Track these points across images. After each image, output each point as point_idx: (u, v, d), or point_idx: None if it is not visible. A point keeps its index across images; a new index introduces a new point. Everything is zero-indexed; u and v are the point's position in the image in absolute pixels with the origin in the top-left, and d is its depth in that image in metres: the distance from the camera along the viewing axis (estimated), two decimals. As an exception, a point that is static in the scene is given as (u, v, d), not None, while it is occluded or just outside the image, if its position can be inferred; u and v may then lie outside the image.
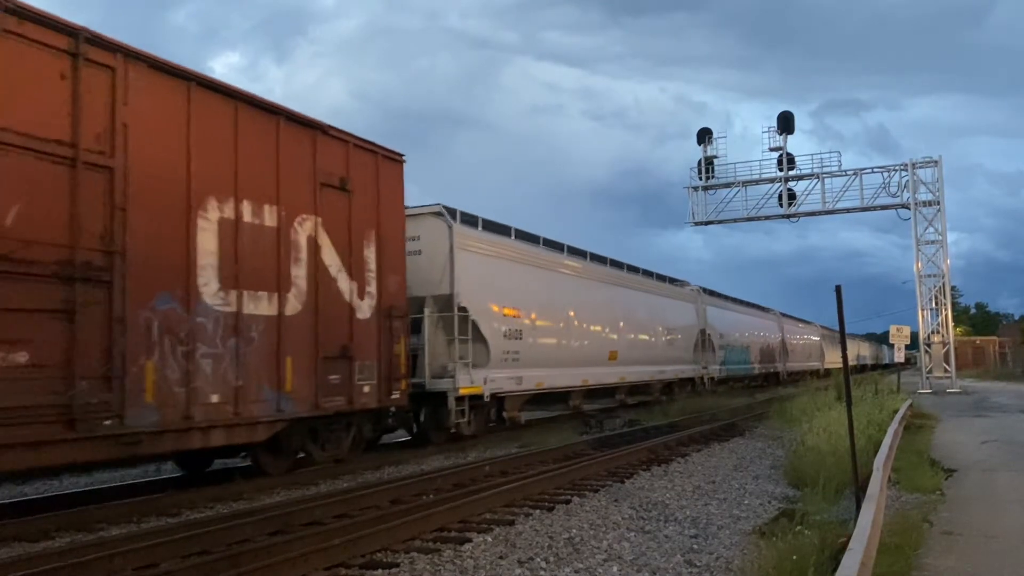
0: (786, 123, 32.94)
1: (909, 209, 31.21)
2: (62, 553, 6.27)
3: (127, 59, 8.23)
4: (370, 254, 11.64)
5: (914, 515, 7.49)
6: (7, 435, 6.88)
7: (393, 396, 11.90)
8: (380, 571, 6.15)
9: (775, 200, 33.06)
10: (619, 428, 17.60)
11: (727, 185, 33.80)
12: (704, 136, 34.10)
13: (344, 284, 11.09)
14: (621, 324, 21.39)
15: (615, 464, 11.57)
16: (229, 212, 9.33)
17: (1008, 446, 13.11)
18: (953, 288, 39.15)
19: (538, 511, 8.37)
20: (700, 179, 33.92)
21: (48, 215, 7.38)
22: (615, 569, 6.22)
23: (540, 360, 16.63)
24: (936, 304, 31.69)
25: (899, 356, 29.51)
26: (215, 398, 8.92)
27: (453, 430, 13.87)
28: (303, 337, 10.23)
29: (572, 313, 18.58)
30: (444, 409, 13.62)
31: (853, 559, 4.32)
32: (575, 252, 20.12)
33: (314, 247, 10.56)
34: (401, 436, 14.61)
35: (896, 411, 15.24)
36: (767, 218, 34.14)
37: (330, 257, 10.86)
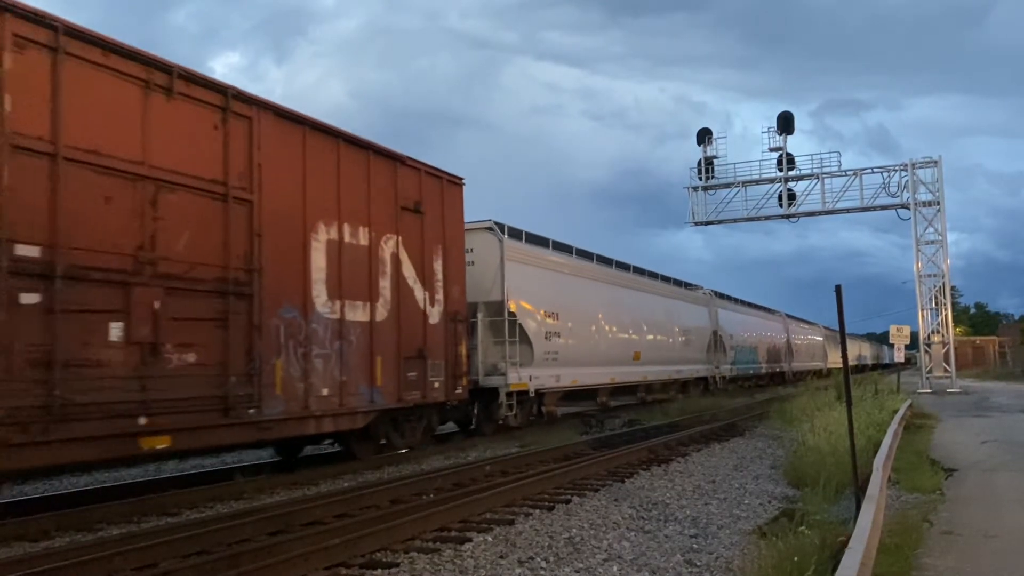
0: (786, 123, 32.93)
1: (909, 209, 31.20)
2: (62, 553, 6.27)
3: (260, 110, 9.90)
4: (438, 266, 13.33)
5: (914, 515, 7.49)
6: (184, 420, 8.52)
7: (457, 391, 13.57)
8: (380, 571, 6.15)
9: (775, 200, 33.05)
10: (619, 428, 17.61)
11: (727, 185, 33.79)
12: (704, 136, 34.08)
13: (419, 293, 12.80)
14: (643, 326, 23.16)
15: (615, 464, 11.57)
16: (334, 234, 11.00)
17: (1008, 446, 13.11)
18: (953, 288, 39.25)
19: (538, 511, 8.37)
20: (700, 179, 33.90)
21: (207, 241, 9.01)
22: (615, 569, 6.22)
23: (575, 360, 18.24)
24: (936, 304, 31.69)
25: (899, 356, 29.53)
26: (325, 391, 10.57)
27: (501, 422, 15.38)
28: (389, 340, 11.93)
29: (601, 317, 20.39)
30: (495, 403, 15.21)
31: (853, 559, 4.32)
32: (603, 260, 22.09)
33: (396, 262, 12.27)
34: (450, 428, 15.78)
35: (896, 411, 15.25)
36: (767, 218, 34.13)
37: (408, 270, 12.56)
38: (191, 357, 8.63)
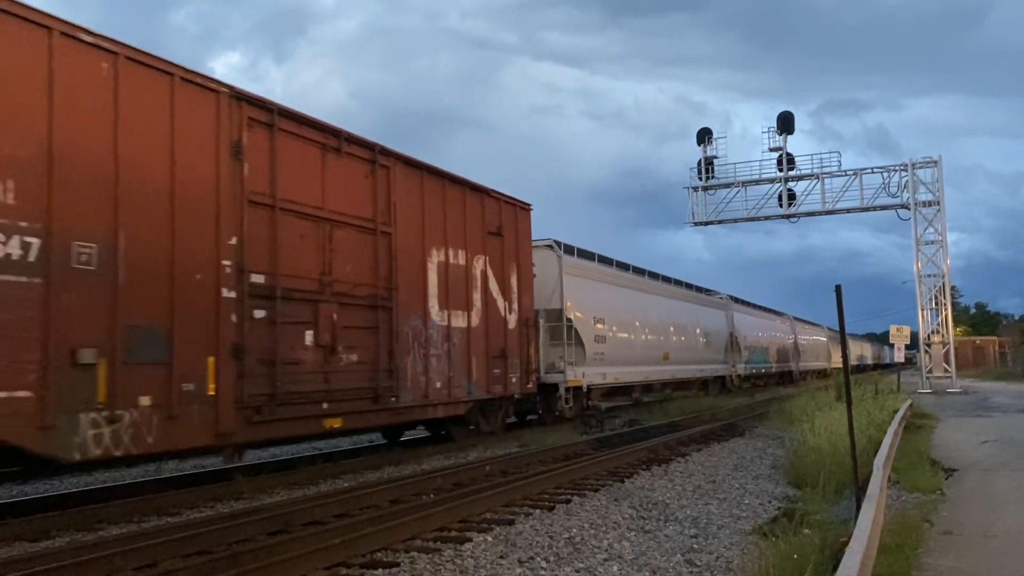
0: (786, 123, 32.95)
1: (909, 209, 31.21)
2: (62, 553, 6.27)
3: (395, 160, 12.46)
4: (513, 280, 15.75)
5: (914, 515, 7.49)
6: (350, 406, 11.11)
7: (528, 386, 16.13)
8: (380, 571, 6.15)
9: (775, 200, 33.07)
10: (619, 428, 17.62)
11: (727, 185, 33.81)
12: (704, 136, 34.10)
13: (501, 303, 15.24)
14: (671, 330, 25.62)
15: (615, 464, 11.57)
16: (442, 257, 13.51)
17: (1008, 446, 13.12)
18: (953, 288, 39.26)
19: (538, 511, 8.37)
20: (700, 179, 33.91)
21: (363, 266, 11.56)
22: (615, 569, 6.22)
23: (617, 360, 20.84)
24: (936, 304, 31.70)
25: (899, 356, 29.54)
26: (438, 384, 13.09)
27: (558, 413, 17.72)
28: (480, 342, 14.38)
29: (637, 322, 23.00)
30: (554, 397, 17.65)
31: (853, 559, 4.32)
32: (637, 270, 25.30)
33: (484, 278, 14.72)
34: (511, 419, 17.38)
35: (896, 411, 15.24)
36: (767, 218, 34.15)
37: (492, 284, 14.98)
38: (354, 356, 11.17)
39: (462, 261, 14.04)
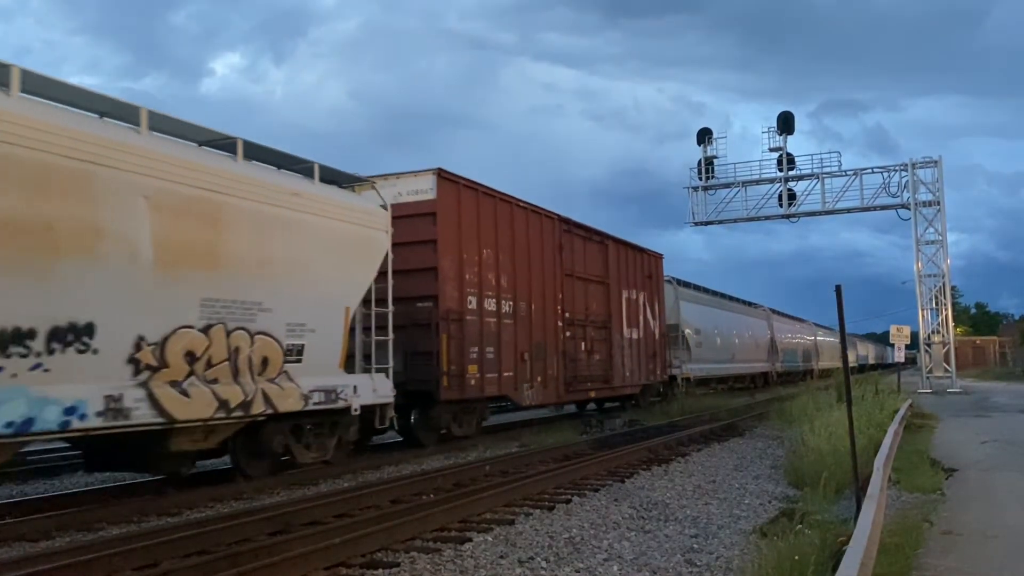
0: (786, 123, 32.94)
1: (909, 209, 31.21)
2: (62, 553, 6.27)
3: (611, 240, 20.36)
4: (656, 307, 23.58)
5: (914, 515, 7.48)
6: (596, 386, 18.92)
7: (663, 377, 24.03)
8: (381, 571, 6.15)
9: (775, 200, 33.08)
10: (619, 428, 17.63)
11: (727, 185, 33.81)
12: (704, 136, 34.09)
13: (651, 322, 23.01)
14: (735, 336, 33.64)
15: (615, 464, 11.57)
16: (626, 294, 21.28)
17: (1008, 446, 13.11)
18: (953, 288, 39.21)
19: (538, 511, 8.37)
20: (700, 179, 33.91)
21: (599, 304, 19.37)
22: (615, 568, 6.22)
23: (707, 359, 29.02)
24: (936, 304, 31.70)
25: (899, 356, 29.56)
26: (627, 374, 20.97)
27: (678, 394, 24.71)
28: (643, 348, 22.20)
29: (717, 332, 31.00)
30: (675, 383, 25.33)
31: (853, 559, 4.32)
32: (715, 292, 33.99)
33: (643, 306, 22.50)
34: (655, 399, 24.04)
35: (896, 411, 15.23)
36: (767, 218, 34.16)
37: (646, 310, 22.71)
38: (597, 356, 19.21)
39: (634, 296, 21.84)
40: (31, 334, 7.17)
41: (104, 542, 6.70)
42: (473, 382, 13.92)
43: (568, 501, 8.90)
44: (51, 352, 7.31)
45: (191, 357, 8.66)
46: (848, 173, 32.27)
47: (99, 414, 7.64)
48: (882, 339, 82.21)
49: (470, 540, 7.01)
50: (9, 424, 6.94)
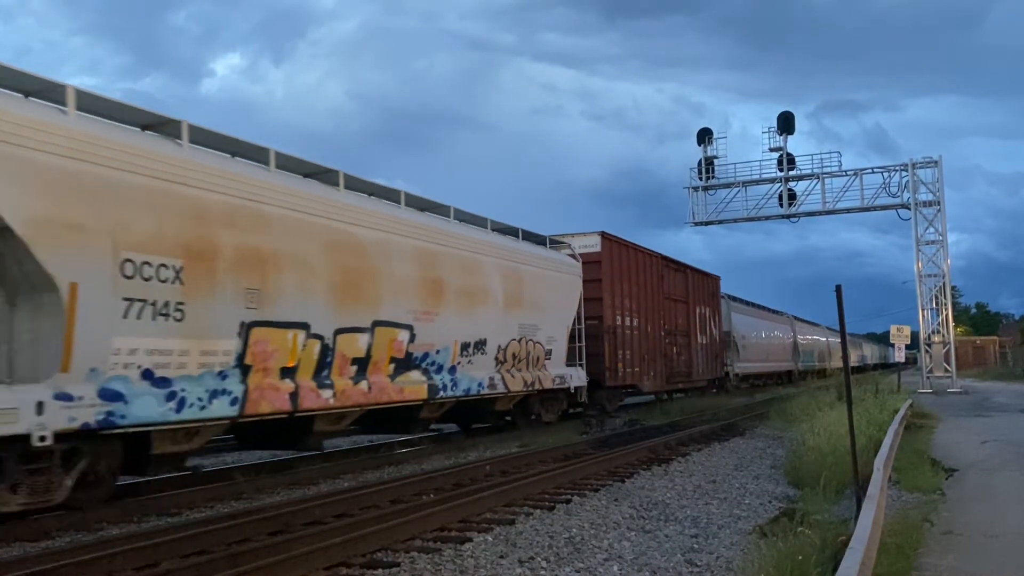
0: (786, 123, 32.91)
1: (909, 209, 31.19)
2: (62, 553, 6.27)
3: (688, 268, 26.36)
4: (717, 318, 29.14)
5: (914, 515, 7.48)
6: (681, 377, 24.87)
7: (721, 373, 29.60)
8: (381, 571, 6.15)
9: (775, 200, 33.05)
10: (619, 428, 17.62)
11: (727, 185, 33.77)
12: (704, 136, 34.05)
13: (714, 331, 28.67)
14: (768, 337, 39.72)
15: (615, 464, 11.57)
16: (699, 310, 26.79)
17: (1008, 446, 13.10)
18: (953, 288, 39.15)
19: (538, 511, 8.37)
20: (700, 179, 33.88)
21: (681, 318, 25.20)
22: (615, 568, 6.22)
23: (748, 359, 34.30)
24: (936, 304, 31.68)
25: (899, 356, 29.55)
26: (700, 370, 26.57)
27: (729, 388, 30.63)
28: (708, 350, 27.68)
29: (756, 335, 36.58)
30: (726, 378, 30.76)
31: (853, 559, 4.31)
32: (755, 304, 39.24)
33: (708, 318, 27.90)
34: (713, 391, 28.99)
35: (896, 411, 15.22)
36: (767, 218, 34.14)
37: (709, 321, 28.04)
38: (683, 358, 24.85)
39: (702, 310, 27.39)
40: (465, 346, 13.56)
41: (104, 542, 6.70)
42: (620, 374, 19.94)
43: (568, 501, 8.90)
44: (474, 354, 13.83)
45: (515, 357, 15.21)
46: (848, 173, 32.25)
47: (487, 386, 14.20)
48: (882, 339, 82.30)
49: (470, 540, 7.01)
50: (466, 390, 13.60)
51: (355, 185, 11.82)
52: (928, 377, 31.61)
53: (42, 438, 7.15)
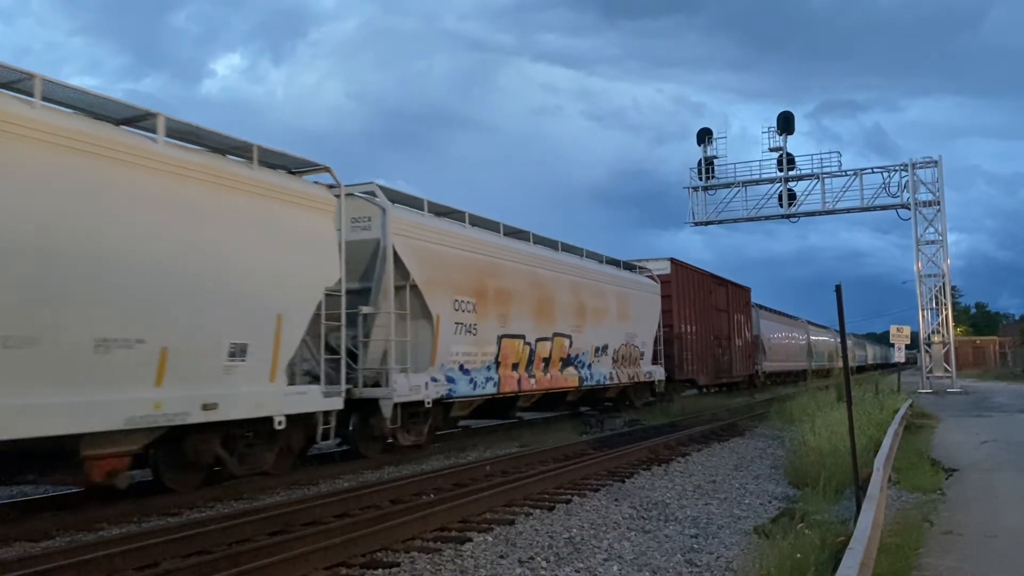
0: (786, 123, 32.89)
1: (909, 209, 31.18)
2: (62, 553, 6.27)
3: (727, 283, 31.11)
4: (749, 323, 33.15)
5: (914, 515, 7.49)
6: (723, 373, 29.42)
7: (752, 371, 33.39)
8: (381, 570, 6.15)
9: (775, 200, 33.04)
10: (619, 428, 17.63)
11: (727, 185, 33.76)
12: (704, 136, 34.04)
13: (746, 332, 32.67)
14: (788, 339, 43.99)
15: (615, 464, 11.57)
16: (736, 317, 31.25)
17: (1008, 446, 13.11)
18: (953, 288, 39.20)
19: (538, 511, 8.37)
20: (700, 179, 33.87)
21: (722, 324, 29.55)
22: (615, 568, 6.22)
23: (774, 359, 38.69)
24: (936, 304, 31.68)
25: (899, 356, 29.56)
26: (738, 368, 31.18)
27: (757, 384, 34.71)
28: (742, 350, 31.99)
29: (778, 338, 40.79)
30: (756, 376, 34.73)
31: (853, 559, 4.31)
32: (776, 311, 42.61)
33: (742, 323, 32.16)
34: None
35: (896, 411, 15.22)
36: (767, 218, 34.13)
37: (742, 326, 32.11)
38: (725, 358, 29.34)
39: (738, 317, 31.29)
40: (596, 349, 18.30)
41: (104, 542, 6.70)
42: (685, 370, 24.53)
43: (568, 501, 8.90)
44: (601, 356, 18.59)
45: (623, 357, 19.87)
46: (848, 173, 32.24)
47: (607, 379, 18.93)
48: (882, 339, 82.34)
49: (470, 540, 7.01)
50: (598, 381, 18.49)
51: (539, 240, 16.92)
52: (928, 377, 31.61)
53: (426, 402, 12.40)
